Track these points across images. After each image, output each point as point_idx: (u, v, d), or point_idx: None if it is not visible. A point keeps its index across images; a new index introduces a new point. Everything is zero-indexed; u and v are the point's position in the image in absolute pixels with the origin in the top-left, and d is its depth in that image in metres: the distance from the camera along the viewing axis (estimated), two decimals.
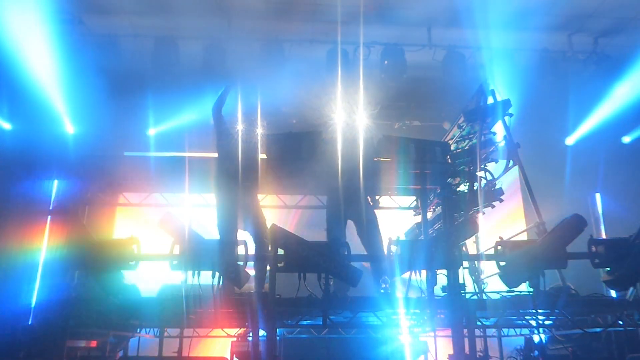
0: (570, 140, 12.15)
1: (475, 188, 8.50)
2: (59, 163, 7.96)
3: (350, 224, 7.38)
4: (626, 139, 12.11)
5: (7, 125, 9.58)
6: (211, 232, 7.70)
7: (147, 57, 11.36)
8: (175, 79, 11.16)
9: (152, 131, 11.44)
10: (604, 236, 10.62)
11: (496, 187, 8.82)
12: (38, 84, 9.61)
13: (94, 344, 8.24)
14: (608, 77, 11.57)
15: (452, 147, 8.98)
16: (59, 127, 10.10)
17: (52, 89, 9.89)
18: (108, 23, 11.03)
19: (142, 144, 11.32)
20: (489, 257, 7.75)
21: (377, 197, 8.58)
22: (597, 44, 11.65)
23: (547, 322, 7.46)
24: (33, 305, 6.90)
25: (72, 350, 7.14)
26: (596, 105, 11.54)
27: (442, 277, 7.23)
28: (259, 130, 7.43)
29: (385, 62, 11.65)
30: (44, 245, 7.35)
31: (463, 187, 8.88)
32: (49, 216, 7.54)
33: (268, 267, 7.02)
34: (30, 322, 6.81)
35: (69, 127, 10.41)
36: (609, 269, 6.96)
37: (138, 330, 8.67)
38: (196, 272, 6.97)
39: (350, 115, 7.35)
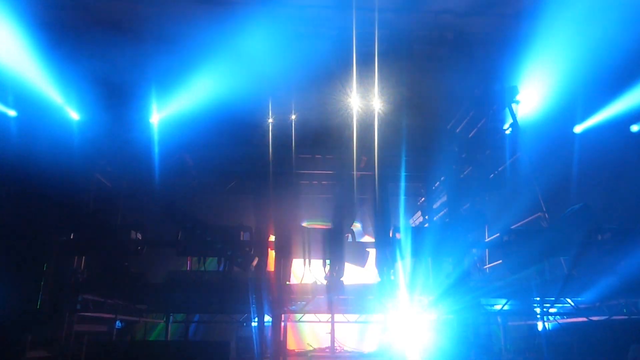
0: (578, 129, 12.02)
1: (480, 176, 8.47)
2: (65, 149, 7.98)
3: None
4: (634, 128, 11.96)
5: (12, 112, 9.59)
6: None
7: (148, 44, 11.25)
8: (177, 65, 11.05)
9: (155, 118, 11.34)
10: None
11: (502, 174, 8.78)
12: (41, 72, 9.57)
13: (101, 328, 8.35)
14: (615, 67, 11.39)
15: (458, 135, 8.92)
16: (63, 114, 10.09)
17: (54, 77, 9.85)
18: (111, 9, 10.92)
19: (145, 132, 11.26)
20: (495, 245, 7.76)
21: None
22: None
23: (551, 310, 7.48)
24: (41, 289, 6.96)
25: (80, 334, 7.22)
26: (606, 93, 11.39)
27: (446, 265, 7.25)
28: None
29: (391, 48, 11.52)
30: (50, 231, 7.38)
31: (468, 175, 8.84)
32: (55, 202, 7.56)
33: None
34: (38, 306, 6.88)
35: (73, 114, 10.40)
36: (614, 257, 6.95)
37: (145, 315, 8.77)
38: (202, 258, 7.04)
39: (366, 104, 7.32)
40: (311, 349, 9.42)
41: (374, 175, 7.86)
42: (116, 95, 10.02)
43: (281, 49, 10.45)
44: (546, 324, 7.90)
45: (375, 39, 9.95)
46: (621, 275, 7.28)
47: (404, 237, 6.81)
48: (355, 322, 8.29)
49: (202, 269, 7.29)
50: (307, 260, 7.06)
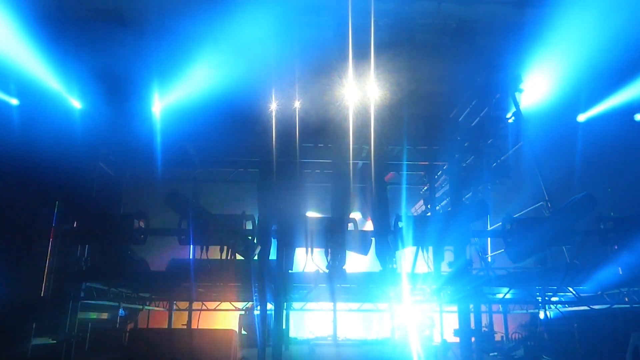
0: (582, 118, 11.94)
1: (483, 164, 8.44)
2: (67, 138, 7.97)
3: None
4: (638, 117, 11.87)
5: (14, 101, 9.57)
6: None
7: (150, 33, 11.17)
8: (179, 55, 11.00)
9: (157, 107, 11.28)
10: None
11: (505, 163, 8.75)
12: (43, 62, 9.55)
13: (105, 316, 8.42)
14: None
15: (461, 123, 8.88)
16: (65, 104, 10.07)
17: (57, 67, 9.82)
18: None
19: (147, 121, 11.24)
20: (497, 234, 7.76)
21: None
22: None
23: (553, 299, 7.50)
24: (45, 278, 7.01)
25: (84, 322, 7.28)
26: (610, 82, 11.29)
27: (448, 254, 7.27)
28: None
29: (392, 37, 11.42)
30: (54, 219, 7.40)
31: (471, 164, 8.81)
32: (58, 191, 7.58)
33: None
34: (42, 294, 6.93)
35: (76, 103, 10.38)
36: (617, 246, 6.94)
37: (148, 304, 8.83)
38: (204, 246, 7.06)
39: (367, 94, 7.29)
40: (313, 337, 9.49)
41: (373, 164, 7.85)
42: (118, 85, 9.99)
43: (282, 38, 10.37)
44: (548, 312, 7.94)
45: (371, 27, 9.88)
46: (623, 264, 7.29)
47: (406, 226, 6.81)
48: (357, 310, 8.33)
49: (205, 257, 7.30)
50: (309, 249, 7.08)
